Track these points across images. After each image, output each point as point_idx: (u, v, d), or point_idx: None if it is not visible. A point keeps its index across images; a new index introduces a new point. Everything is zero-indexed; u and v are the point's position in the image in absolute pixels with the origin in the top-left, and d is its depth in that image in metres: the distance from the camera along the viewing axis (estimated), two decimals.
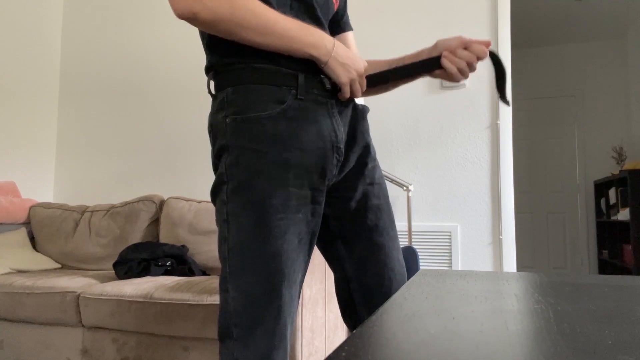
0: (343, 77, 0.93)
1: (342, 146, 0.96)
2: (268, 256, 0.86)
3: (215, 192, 0.93)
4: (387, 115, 2.62)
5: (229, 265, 0.88)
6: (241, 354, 0.86)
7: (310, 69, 0.93)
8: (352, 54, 0.95)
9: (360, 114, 1.03)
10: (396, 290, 0.99)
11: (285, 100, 0.90)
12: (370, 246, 1.00)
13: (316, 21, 0.97)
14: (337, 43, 0.94)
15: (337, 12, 1.11)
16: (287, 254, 0.88)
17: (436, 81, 2.54)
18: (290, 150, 0.89)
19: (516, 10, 4.20)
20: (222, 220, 0.90)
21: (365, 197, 1.01)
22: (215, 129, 0.93)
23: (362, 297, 1.01)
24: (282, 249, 0.87)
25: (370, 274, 1.00)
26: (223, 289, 0.89)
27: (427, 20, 2.57)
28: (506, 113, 2.41)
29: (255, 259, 0.86)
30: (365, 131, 1.03)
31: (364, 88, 0.97)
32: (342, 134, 0.96)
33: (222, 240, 0.90)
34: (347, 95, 0.95)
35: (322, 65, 0.92)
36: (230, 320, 0.87)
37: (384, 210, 1.02)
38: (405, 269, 1.05)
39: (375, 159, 1.05)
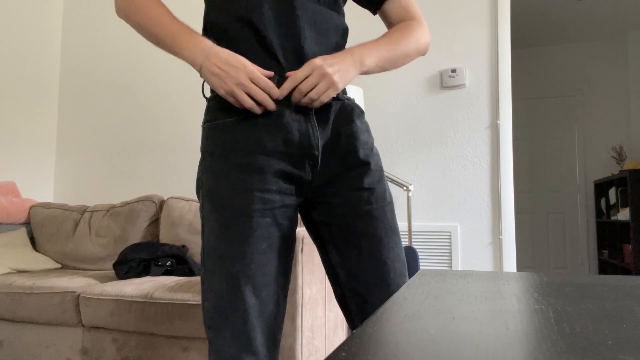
0: (219, 89, 0.85)
1: (317, 152, 0.92)
2: (232, 259, 0.87)
3: (197, 197, 0.96)
4: (387, 115, 2.62)
5: (203, 266, 0.91)
6: (213, 356, 0.88)
7: (284, 72, 0.91)
8: (228, 62, 0.84)
9: (347, 115, 0.96)
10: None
11: None
12: (360, 254, 0.94)
13: None
14: (214, 52, 0.85)
15: None
16: (253, 257, 0.87)
17: (436, 81, 2.54)
18: (255, 156, 0.89)
19: (516, 10, 4.20)
20: (201, 223, 0.94)
21: (351, 204, 0.94)
22: (201, 135, 0.97)
23: (356, 306, 0.96)
24: (246, 253, 0.86)
25: (362, 283, 0.94)
26: (201, 290, 0.92)
27: (427, 20, 2.57)
28: (506, 113, 2.41)
29: (220, 261, 0.88)
30: (353, 134, 0.95)
31: (258, 96, 0.86)
32: (317, 139, 0.92)
33: (202, 243, 0.94)
34: (239, 104, 0.87)
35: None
36: (206, 321, 0.89)
37: (377, 217, 0.95)
38: (406, 279, 0.98)
39: (366, 163, 0.96)
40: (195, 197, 2.93)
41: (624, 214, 3.91)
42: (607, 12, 4.26)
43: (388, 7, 1.05)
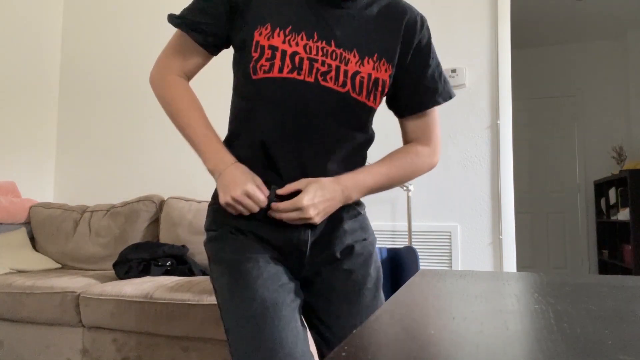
0: (221, 200, 0.94)
1: (305, 249, 0.96)
2: (246, 310, 0.91)
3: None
4: (387, 115, 2.61)
5: (224, 328, 0.96)
6: None
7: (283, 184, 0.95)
8: (234, 179, 0.93)
9: (339, 218, 0.99)
10: None
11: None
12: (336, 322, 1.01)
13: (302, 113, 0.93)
14: (229, 170, 0.93)
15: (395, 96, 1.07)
16: (264, 293, 0.89)
17: None
18: (252, 240, 0.97)
19: (516, 10, 4.20)
20: (212, 287, 1.05)
21: (329, 282, 1.00)
22: None
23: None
24: (258, 294, 0.90)
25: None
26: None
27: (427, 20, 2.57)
28: (506, 113, 2.41)
29: (236, 319, 0.92)
30: (342, 234, 0.99)
31: (247, 209, 0.92)
32: (308, 236, 0.96)
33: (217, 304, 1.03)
34: (235, 213, 0.94)
35: None
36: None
37: (353, 299, 1.00)
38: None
39: (351, 247, 1.00)
40: (195, 196, 2.93)
41: (624, 214, 3.91)
42: (607, 12, 4.26)
43: (406, 121, 1.10)
